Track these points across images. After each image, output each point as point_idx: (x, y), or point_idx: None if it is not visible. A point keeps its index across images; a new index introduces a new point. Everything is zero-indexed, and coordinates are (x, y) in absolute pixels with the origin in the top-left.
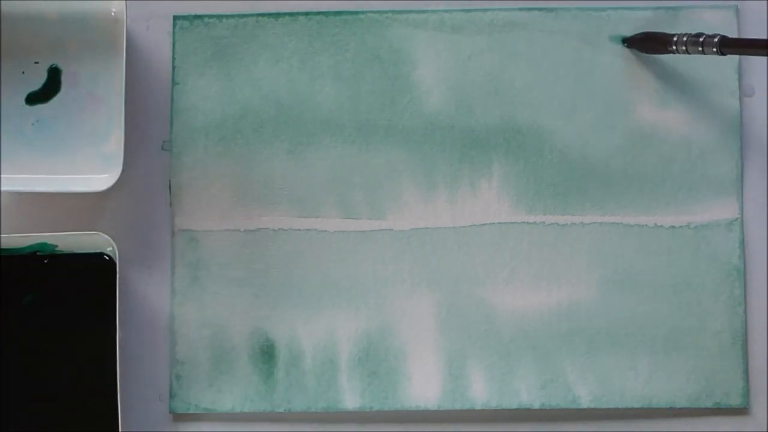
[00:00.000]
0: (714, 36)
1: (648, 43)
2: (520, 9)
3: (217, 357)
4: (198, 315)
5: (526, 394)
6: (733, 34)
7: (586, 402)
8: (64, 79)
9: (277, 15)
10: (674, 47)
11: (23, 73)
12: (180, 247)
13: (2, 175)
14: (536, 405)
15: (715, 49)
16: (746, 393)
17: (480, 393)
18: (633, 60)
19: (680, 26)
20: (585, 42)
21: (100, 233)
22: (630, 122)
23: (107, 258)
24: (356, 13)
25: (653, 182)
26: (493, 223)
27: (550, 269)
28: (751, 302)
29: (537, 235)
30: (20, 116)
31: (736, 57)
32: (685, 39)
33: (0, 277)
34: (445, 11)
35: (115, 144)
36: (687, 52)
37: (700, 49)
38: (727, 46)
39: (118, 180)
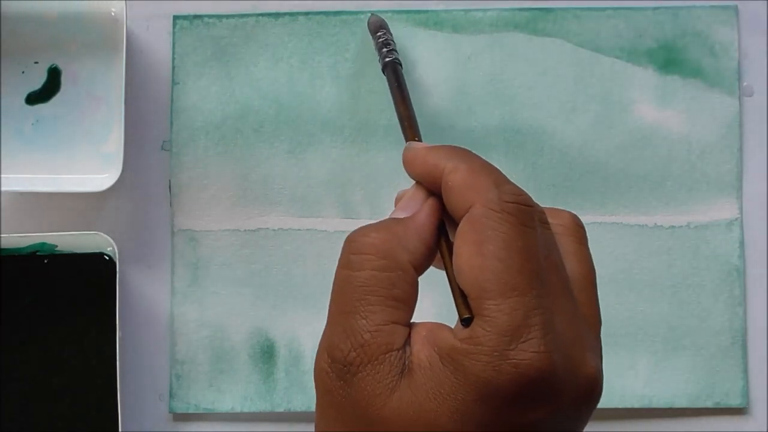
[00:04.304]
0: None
1: None
2: (520, 9)
3: (217, 357)
4: (198, 315)
5: None
6: (732, 34)
7: None
8: (64, 79)
9: (277, 15)
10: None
11: (23, 73)
12: (180, 247)
13: (2, 175)
14: None
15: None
16: (746, 393)
17: None
18: (633, 60)
19: (680, 26)
20: (585, 42)
21: (100, 233)
22: (630, 122)
23: (107, 258)
24: (356, 13)
25: (653, 182)
26: None
27: None
28: (751, 302)
29: None
30: (20, 116)
31: (736, 57)
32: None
33: (0, 277)
34: (445, 11)
35: (115, 144)
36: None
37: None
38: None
39: (118, 180)
